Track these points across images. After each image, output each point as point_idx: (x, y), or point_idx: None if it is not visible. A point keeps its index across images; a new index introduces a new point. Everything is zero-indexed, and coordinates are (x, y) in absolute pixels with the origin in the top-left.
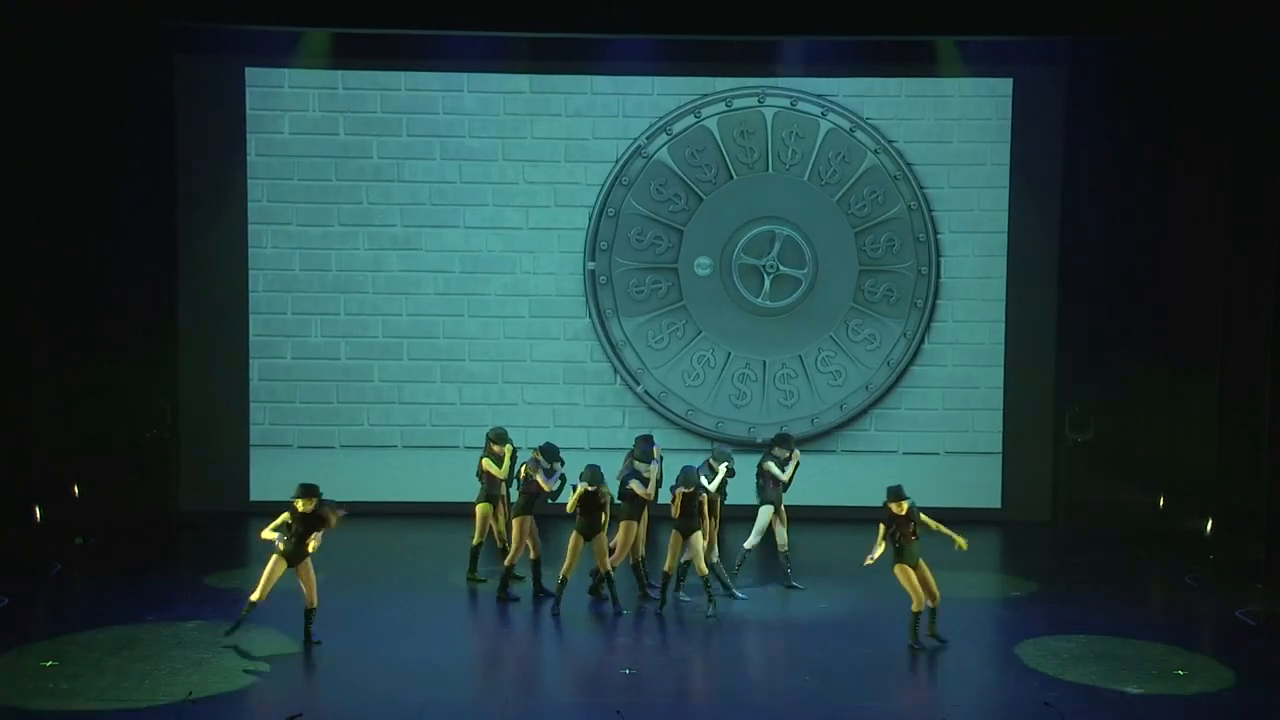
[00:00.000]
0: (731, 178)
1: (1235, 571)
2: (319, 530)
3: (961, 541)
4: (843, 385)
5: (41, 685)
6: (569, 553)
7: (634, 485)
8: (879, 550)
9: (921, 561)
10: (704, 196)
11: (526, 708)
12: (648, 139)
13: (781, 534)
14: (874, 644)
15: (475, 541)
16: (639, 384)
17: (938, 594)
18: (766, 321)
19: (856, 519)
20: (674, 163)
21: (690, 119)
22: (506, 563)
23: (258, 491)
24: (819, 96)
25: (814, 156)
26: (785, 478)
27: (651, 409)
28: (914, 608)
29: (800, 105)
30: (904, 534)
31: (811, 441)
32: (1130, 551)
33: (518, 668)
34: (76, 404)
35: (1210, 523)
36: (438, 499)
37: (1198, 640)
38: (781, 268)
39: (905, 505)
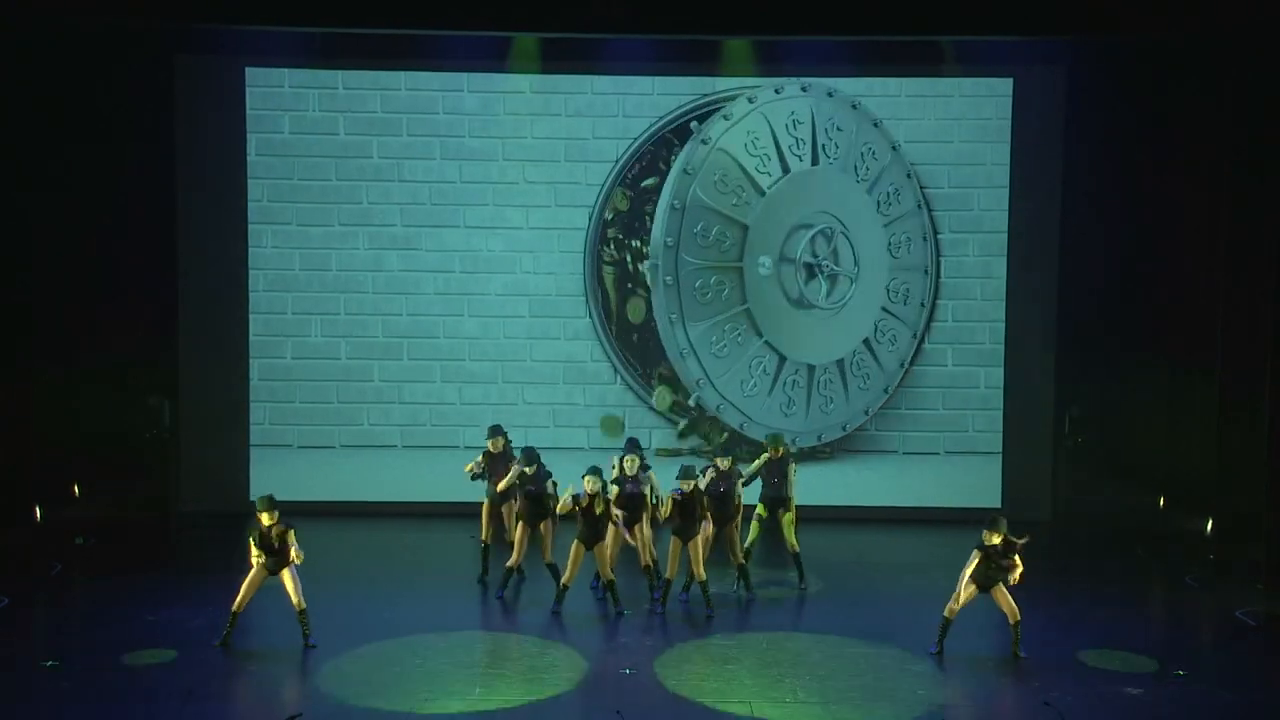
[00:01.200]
0: (786, 170)
1: (1235, 571)
2: (287, 545)
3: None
4: (869, 389)
5: (42, 685)
6: (570, 561)
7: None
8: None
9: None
10: (765, 190)
11: (527, 707)
12: (700, 122)
13: (789, 535)
14: (874, 644)
15: (485, 542)
16: (691, 395)
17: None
18: (818, 324)
19: (857, 519)
20: (734, 152)
21: (745, 104)
22: (509, 564)
23: (258, 491)
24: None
25: (850, 150)
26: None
27: (648, 407)
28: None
29: (837, 97)
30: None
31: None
32: (1130, 551)
33: (518, 667)
34: (76, 404)
35: (1210, 523)
36: (438, 499)
37: (1198, 640)
38: (834, 266)
39: (998, 537)
